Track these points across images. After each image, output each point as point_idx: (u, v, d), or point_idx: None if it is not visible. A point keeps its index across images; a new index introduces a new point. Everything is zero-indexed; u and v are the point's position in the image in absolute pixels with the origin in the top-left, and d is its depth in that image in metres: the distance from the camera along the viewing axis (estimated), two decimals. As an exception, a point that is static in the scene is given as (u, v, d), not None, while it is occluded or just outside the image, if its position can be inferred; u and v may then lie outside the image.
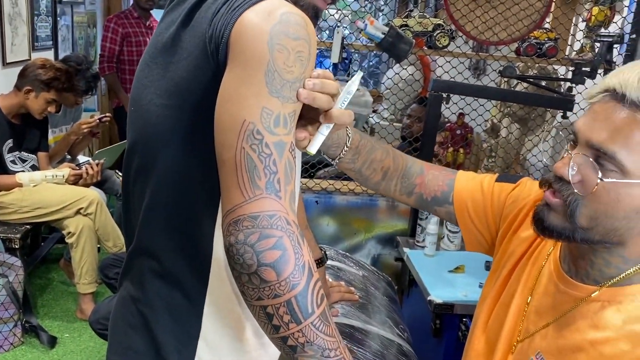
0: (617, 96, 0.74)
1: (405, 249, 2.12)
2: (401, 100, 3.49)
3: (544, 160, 2.37)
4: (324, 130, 0.78)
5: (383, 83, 3.57)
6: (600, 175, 0.74)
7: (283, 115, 0.71)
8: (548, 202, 0.81)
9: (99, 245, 2.77)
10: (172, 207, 0.81)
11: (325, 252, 1.45)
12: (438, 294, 1.75)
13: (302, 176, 2.13)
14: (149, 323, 0.82)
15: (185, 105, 0.77)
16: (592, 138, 0.75)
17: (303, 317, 0.67)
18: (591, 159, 0.75)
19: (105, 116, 2.92)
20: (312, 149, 0.78)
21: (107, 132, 4.38)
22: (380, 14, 5.17)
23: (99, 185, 3.00)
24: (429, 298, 1.75)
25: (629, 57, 2.18)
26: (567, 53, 2.51)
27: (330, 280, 1.55)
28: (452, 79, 2.24)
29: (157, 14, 4.02)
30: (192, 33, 0.77)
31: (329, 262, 1.76)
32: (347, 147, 0.97)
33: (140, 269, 0.85)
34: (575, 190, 0.77)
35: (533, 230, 0.86)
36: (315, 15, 0.85)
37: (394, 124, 3.61)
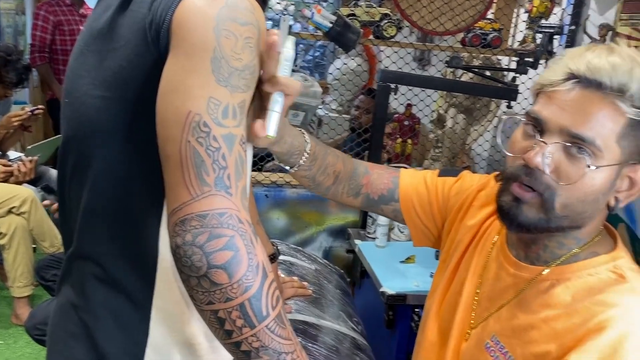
0: (589, 82, 0.74)
1: (357, 241, 2.11)
2: (349, 91, 3.48)
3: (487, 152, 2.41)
4: (276, 107, 0.73)
5: (331, 73, 3.55)
6: (588, 162, 0.74)
7: (232, 105, 0.67)
8: (519, 197, 0.79)
9: (34, 246, 2.62)
10: (113, 209, 0.75)
11: (277, 247, 1.41)
12: (390, 285, 1.75)
13: (251, 169, 2.08)
14: (92, 332, 0.76)
15: (124, 97, 0.72)
16: (569, 127, 0.75)
17: (257, 320, 0.63)
18: (571, 147, 0.75)
19: (38, 108, 2.75)
20: (272, 132, 0.73)
21: (42, 126, 4.14)
22: (325, 3, 5.14)
23: (33, 182, 2.82)
24: (381, 289, 1.74)
25: (569, 48, 2.24)
26: (509, 44, 2.56)
27: (282, 275, 1.51)
28: (399, 70, 2.24)
29: (91, 2, 3.83)
30: (130, 18, 0.72)
31: (281, 257, 1.72)
32: (306, 153, 0.96)
33: (81, 274, 0.79)
34: (552, 181, 0.76)
35: (488, 214, 0.88)
36: (263, 1, 0.80)
37: (342, 115, 3.60)
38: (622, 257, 0.82)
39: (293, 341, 0.67)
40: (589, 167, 0.74)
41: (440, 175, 1.10)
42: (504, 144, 0.85)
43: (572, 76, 0.76)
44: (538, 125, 0.78)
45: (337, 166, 1.05)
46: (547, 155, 0.76)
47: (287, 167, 0.98)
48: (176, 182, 0.65)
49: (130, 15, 0.72)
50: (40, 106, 2.78)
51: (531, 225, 0.80)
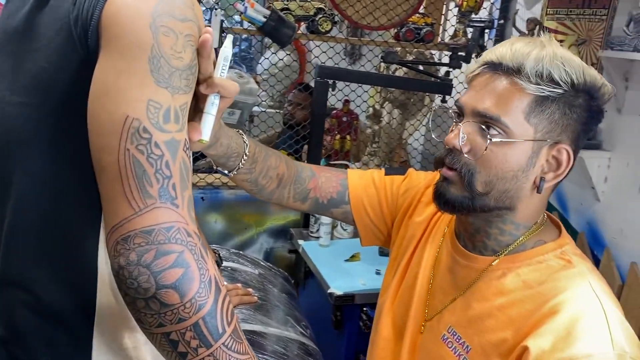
0: (495, 67, 0.82)
1: (300, 241, 2.06)
2: (281, 83, 3.42)
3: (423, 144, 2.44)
4: (211, 110, 0.68)
5: (266, 69, 3.47)
6: (489, 137, 0.80)
7: (174, 108, 0.61)
8: (446, 176, 0.85)
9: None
10: (42, 227, 0.67)
11: (219, 253, 1.34)
12: (338, 286, 1.72)
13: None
14: None
15: (48, 103, 0.64)
16: (477, 106, 0.82)
17: (213, 339, 0.59)
18: (481, 125, 0.81)
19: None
20: (205, 136, 0.68)
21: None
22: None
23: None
24: (329, 291, 1.71)
25: (498, 42, 2.29)
26: (441, 38, 2.59)
27: (226, 283, 1.44)
28: (336, 66, 2.20)
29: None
30: (51, 15, 0.64)
31: (223, 263, 1.65)
32: (245, 155, 0.93)
33: (8, 303, 0.70)
34: (468, 157, 0.82)
35: (435, 207, 0.90)
36: None
37: (271, 110, 3.53)
38: (567, 243, 0.87)
39: (250, 355, 0.64)
40: (490, 140, 0.80)
41: (386, 174, 1.11)
42: (435, 133, 0.94)
43: (484, 64, 0.84)
44: (460, 111, 0.86)
45: (280, 169, 1.02)
46: (462, 135, 0.82)
47: (226, 172, 0.94)
48: (115, 195, 0.59)
49: (51, 11, 0.64)
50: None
51: (456, 202, 0.85)
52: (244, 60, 6.11)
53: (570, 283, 0.80)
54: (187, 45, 0.62)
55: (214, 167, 0.94)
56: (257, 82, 3.98)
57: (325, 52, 2.25)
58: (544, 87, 0.79)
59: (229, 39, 0.72)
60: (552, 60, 0.78)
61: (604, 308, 0.77)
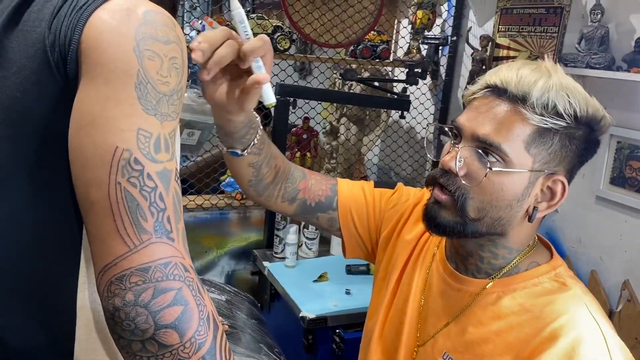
0: (499, 92, 0.80)
1: (265, 263, 2.01)
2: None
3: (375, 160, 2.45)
4: (262, 73, 0.74)
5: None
6: (488, 165, 0.78)
7: (164, 136, 0.58)
8: (438, 200, 0.83)
9: None
10: (16, 271, 0.62)
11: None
12: (309, 309, 1.68)
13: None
14: None
15: (22, 133, 0.59)
16: (477, 131, 0.80)
17: None
18: (478, 150, 0.79)
19: None
20: (272, 99, 0.74)
21: None
22: (193, 12, 4.95)
23: None
24: (301, 314, 1.66)
25: (451, 58, 2.35)
26: (395, 54, 2.62)
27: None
28: (282, 82, 2.17)
29: None
30: (22, 39, 0.59)
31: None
32: (259, 131, 0.90)
33: None
34: (463, 182, 0.80)
35: (425, 228, 0.88)
36: (173, 8, 0.73)
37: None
38: (560, 265, 0.86)
39: None
40: (490, 169, 0.78)
41: (375, 186, 1.09)
42: (429, 150, 0.99)
43: (487, 86, 0.82)
44: (457, 132, 0.84)
45: (278, 161, 0.99)
46: (459, 159, 0.80)
47: (238, 151, 0.90)
48: (107, 232, 0.55)
49: (22, 36, 0.60)
50: None
51: (447, 227, 0.83)
52: (192, 75, 6.01)
53: (568, 306, 0.79)
54: (172, 68, 0.60)
55: (225, 150, 0.90)
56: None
57: (284, 69, 2.22)
58: (548, 119, 0.77)
59: (234, 2, 0.74)
60: (557, 92, 0.77)
61: (603, 332, 0.77)
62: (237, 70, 0.77)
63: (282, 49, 2.07)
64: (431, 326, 0.91)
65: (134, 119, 0.56)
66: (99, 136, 0.55)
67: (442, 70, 2.40)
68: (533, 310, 0.81)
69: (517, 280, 0.85)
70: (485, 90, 0.82)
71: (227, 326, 1.47)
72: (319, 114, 2.31)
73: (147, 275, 0.54)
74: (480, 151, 0.79)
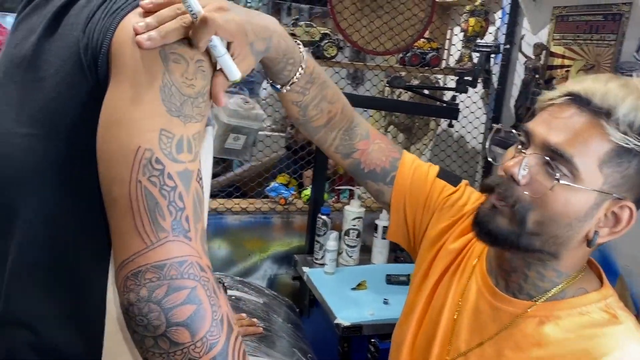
0: (581, 101, 0.74)
1: (305, 268, 2.02)
2: (280, 111, 3.41)
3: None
4: (220, 51, 0.62)
5: (266, 91, 3.46)
6: (557, 176, 0.72)
7: (187, 137, 0.59)
8: (495, 205, 0.78)
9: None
10: (47, 265, 0.64)
11: (223, 283, 1.30)
12: (345, 316, 1.67)
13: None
14: None
15: (56, 133, 0.62)
16: (549, 139, 0.74)
17: None
18: (547, 159, 0.73)
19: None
20: (235, 76, 0.64)
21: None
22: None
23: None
24: (335, 321, 1.65)
25: (504, 67, 2.28)
26: (447, 62, 2.58)
27: (231, 314, 1.40)
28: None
29: (5, 21, 3.54)
30: (60, 43, 0.63)
31: (227, 292, 1.61)
32: (302, 68, 0.83)
33: (10, 343, 0.67)
34: (525, 193, 0.75)
35: (472, 237, 0.83)
36: None
37: (276, 133, 3.52)
38: (610, 295, 0.80)
39: None
40: (557, 181, 0.72)
41: (438, 175, 1.01)
42: (491, 154, 0.87)
43: (568, 94, 0.76)
44: (526, 138, 0.78)
45: (335, 107, 0.92)
46: (524, 166, 0.74)
47: (278, 86, 0.84)
48: (126, 229, 0.57)
49: (60, 40, 0.63)
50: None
51: (500, 235, 0.77)
52: (246, 84, 6.16)
53: (620, 342, 0.73)
54: (199, 71, 0.61)
55: (268, 80, 0.85)
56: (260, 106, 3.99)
57: (331, 76, 2.24)
58: (630, 139, 0.71)
59: None
60: None
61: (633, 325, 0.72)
62: None
63: (328, 55, 2.08)
64: (463, 342, 0.87)
65: (157, 120, 0.58)
66: (124, 136, 0.57)
67: (495, 78, 2.34)
68: (579, 341, 0.75)
69: (562, 307, 0.79)
70: (566, 97, 0.76)
71: (262, 329, 1.48)
72: (371, 116, 2.30)
73: (162, 273, 0.55)
74: (549, 160, 0.73)
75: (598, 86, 0.73)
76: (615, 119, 0.71)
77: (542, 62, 2.06)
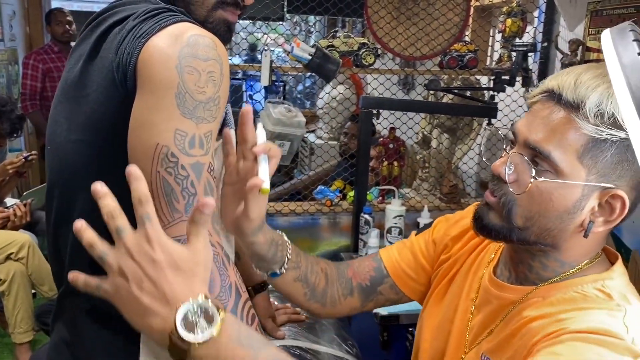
0: (555, 96, 0.75)
1: (350, 265, 2.13)
2: (341, 115, 3.53)
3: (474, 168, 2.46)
4: (262, 163, 0.77)
5: (324, 100, 3.61)
6: (534, 173, 0.74)
7: (198, 136, 0.71)
8: (487, 201, 0.82)
9: (34, 291, 2.63)
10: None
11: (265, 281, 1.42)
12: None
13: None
14: None
15: (97, 139, 0.76)
16: (529, 137, 0.76)
17: None
18: (527, 158, 0.75)
19: (31, 154, 2.80)
20: (266, 184, 0.75)
21: (38, 172, 4.20)
22: (312, 35, 5.25)
23: (30, 227, 2.86)
24: (375, 310, 1.76)
25: (542, 64, 2.31)
26: (487, 63, 2.63)
27: (275, 303, 1.53)
28: (380, 95, 2.30)
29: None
30: (99, 64, 0.76)
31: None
32: (289, 247, 0.93)
33: (72, 310, 0.81)
34: (511, 190, 0.77)
35: (473, 230, 0.86)
36: (227, 29, 0.86)
37: (331, 142, 3.65)
38: (612, 278, 0.78)
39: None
40: (535, 178, 0.74)
41: (417, 234, 1.08)
42: (486, 155, 0.89)
43: (545, 91, 0.77)
44: (514, 138, 0.80)
45: (321, 264, 1.01)
46: (509, 165, 0.77)
47: (277, 271, 0.92)
48: None
49: (99, 62, 0.76)
50: (33, 152, 2.83)
51: (493, 230, 0.81)
52: (308, 96, 6.35)
53: (603, 318, 0.71)
54: (209, 80, 0.71)
55: (266, 275, 0.93)
56: (314, 115, 4.14)
57: (382, 83, 2.35)
58: (603, 129, 0.71)
59: (259, 124, 0.83)
60: (617, 101, 0.66)
61: (627, 310, 0.72)
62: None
63: (366, 63, 2.20)
64: (476, 336, 0.89)
65: (172, 122, 0.69)
66: (145, 136, 0.70)
67: (534, 77, 2.37)
68: (567, 312, 0.75)
69: (559, 287, 0.80)
70: (543, 94, 0.77)
71: (304, 317, 1.60)
72: (405, 123, 2.40)
73: None
74: (527, 158, 0.75)
75: (570, 79, 0.74)
76: (584, 111, 0.72)
77: (578, 57, 2.08)
